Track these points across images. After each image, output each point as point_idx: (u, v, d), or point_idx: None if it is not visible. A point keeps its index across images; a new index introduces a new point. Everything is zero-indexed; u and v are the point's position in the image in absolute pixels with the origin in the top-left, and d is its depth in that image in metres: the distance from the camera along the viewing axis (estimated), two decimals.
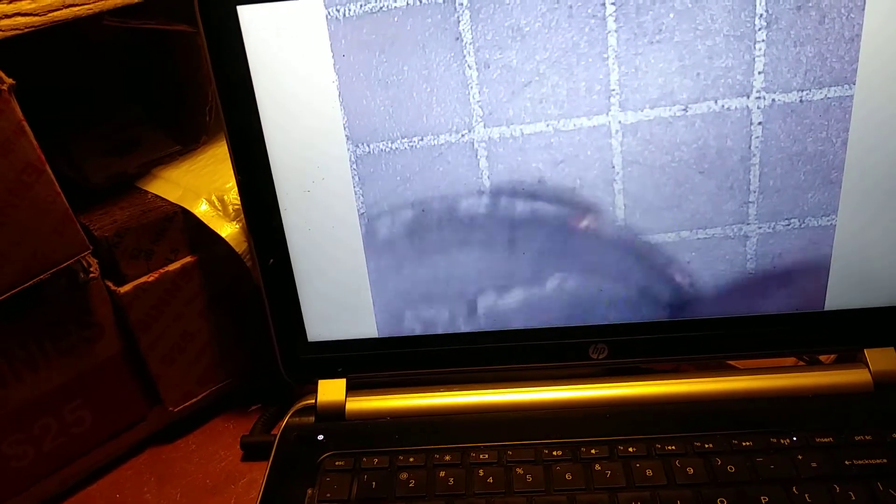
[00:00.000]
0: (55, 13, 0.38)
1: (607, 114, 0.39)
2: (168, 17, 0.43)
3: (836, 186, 0.40)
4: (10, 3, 0.37)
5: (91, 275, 0.43)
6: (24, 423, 0.44)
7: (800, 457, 0.39)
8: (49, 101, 0.50)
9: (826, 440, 0.40)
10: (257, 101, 0.40)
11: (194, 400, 0.50)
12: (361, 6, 0.38)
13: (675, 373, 0.47)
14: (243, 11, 0.38)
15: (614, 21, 0.38)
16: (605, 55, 0.38)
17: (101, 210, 0.45)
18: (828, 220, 0.41)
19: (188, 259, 0.47)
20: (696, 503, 0.38)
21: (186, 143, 0.50)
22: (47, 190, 0.39)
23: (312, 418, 0.46)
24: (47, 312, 0.42)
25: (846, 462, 0.39)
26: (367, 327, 0.45)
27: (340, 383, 0.46)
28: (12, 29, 0.37)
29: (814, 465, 0.39)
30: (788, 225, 0.41)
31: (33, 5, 0.37)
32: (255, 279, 0.45)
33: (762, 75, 0.38)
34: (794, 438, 0.40)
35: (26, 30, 0.38)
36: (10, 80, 0.36)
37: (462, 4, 0.38)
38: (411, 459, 0.42)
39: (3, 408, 0.43)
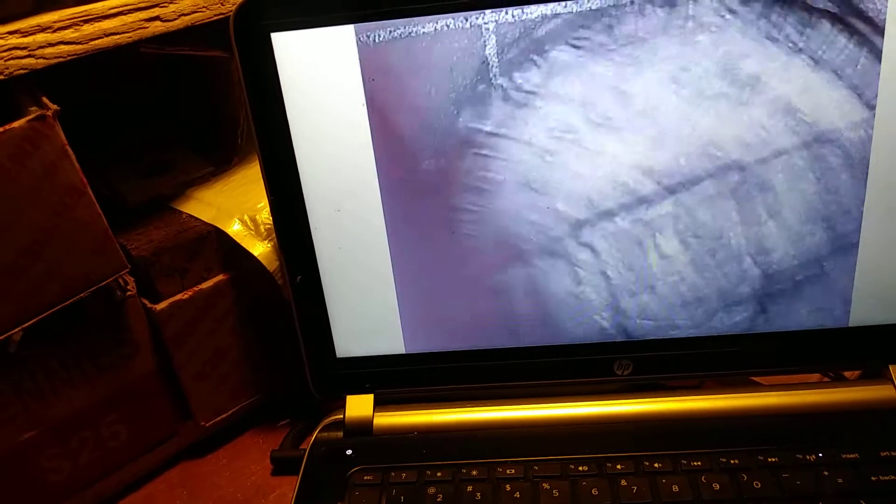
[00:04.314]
0: (96, 41, 0.40)
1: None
2: (202, 44, 0.45)
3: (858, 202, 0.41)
4: (55, 32, 0.38)
5: (128, 293, 0.44)
6: (62, 438, 0.45)
7: (825, 473, 0.40)
8: (86, 124, 0.51)
9: (852, 456, 0.40)
10: (289, 123, 0.41)
11: (225, 415, 0.51)
12: (390, 32, 0.39)
13: (700, 389, 0.47)
14: (277, 38, 0.40)
15: None
16: None
17: (137, 230, 0.46)
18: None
19: (221, 277, 0.48)
20: None
21: (219, 165, 0.51)
22: (88, 211, 0.40)
23: (341, 433, 0.46)
24: (85, 330, 0.44)
25: (872, 478, 0.39)
26: (394, 343, 0.46)
27: (368, 399, 0.47)
28: (56, 57, 0.39)
29: (840, 480, 0.39)
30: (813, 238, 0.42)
31: (76, 34, 0.39)
32: (286, 297, 0.46)
33: None
34: (820, 454, 0.41)
35: (69, 57, 0.39)
36: (54, 107, 0.38)
37: (489, 29, 0.39)
38: (439, 474, 0.42)
39: (42, 423, 0.44)
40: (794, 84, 0.38)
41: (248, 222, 0.47)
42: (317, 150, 0.42)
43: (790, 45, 0.38)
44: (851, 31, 0.37)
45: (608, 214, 0.41)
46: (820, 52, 0.38)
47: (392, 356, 0.46)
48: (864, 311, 0.43)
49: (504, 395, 0.47)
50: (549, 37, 0.39)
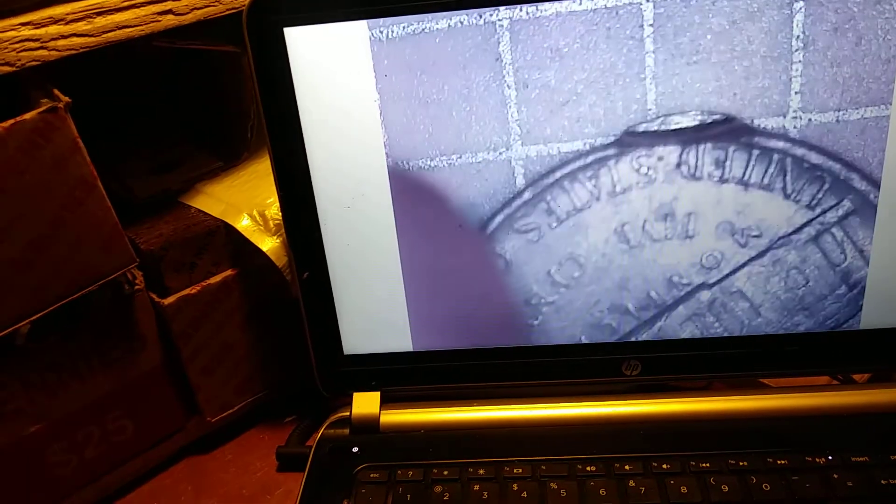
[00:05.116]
0: (109, 34, 0.39)
1: None
2: (214, 38, 0.44)
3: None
4: (68, 24, 0.38)
5: (136, 287, 0.44)
6: (68, 432, 0.45)
7: (835, 476, 0.39)
8: (96, 118, 0.51)
9: (861, 459, 0.40)
10: (301, 119, 0.41)
11: (231, 411, 0.51)
12: (404, 28, 0.39)
13: (708, 390, 0.47)
14: (290, 33, 0.39)
15: (652, 42, 0.38)
16: (643, 75, 0.39)
17: (146, 224, 0.46)
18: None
19: (229, 272, 0.48)
20: None
21: (228, 160, 0.51)
22: (98, 205, 0.40)
23: (347, 430, 0.46)
24: (93, 324, 0.44)
25: (882, 481, 0.39)
26: (402, 341, 0.46)
27: (375, 396, 0.47)
28: (68, 49, 0.38)
29: (849, 484, 0.39)
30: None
31: (89, 27, 0.39)
32: (294, 293, 0.46)
33: (799, 95, 0.39)
34: (830, 457, 0.40)
35: (81, 50, 0.39)
36: (66, 99, 0.38)
37: (502, 26, 0.39)
38: (445, 473, 0.42)
39: (49, 417, 0.44)
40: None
41: (257, 217, 0.47)
42: (328, 146, 0.42)
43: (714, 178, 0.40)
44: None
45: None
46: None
47: (399, 354, 0.46)
48: (875, 315, 0.42)
49: (511, 395, 0.47)
50: (563, 33, 0.39)
